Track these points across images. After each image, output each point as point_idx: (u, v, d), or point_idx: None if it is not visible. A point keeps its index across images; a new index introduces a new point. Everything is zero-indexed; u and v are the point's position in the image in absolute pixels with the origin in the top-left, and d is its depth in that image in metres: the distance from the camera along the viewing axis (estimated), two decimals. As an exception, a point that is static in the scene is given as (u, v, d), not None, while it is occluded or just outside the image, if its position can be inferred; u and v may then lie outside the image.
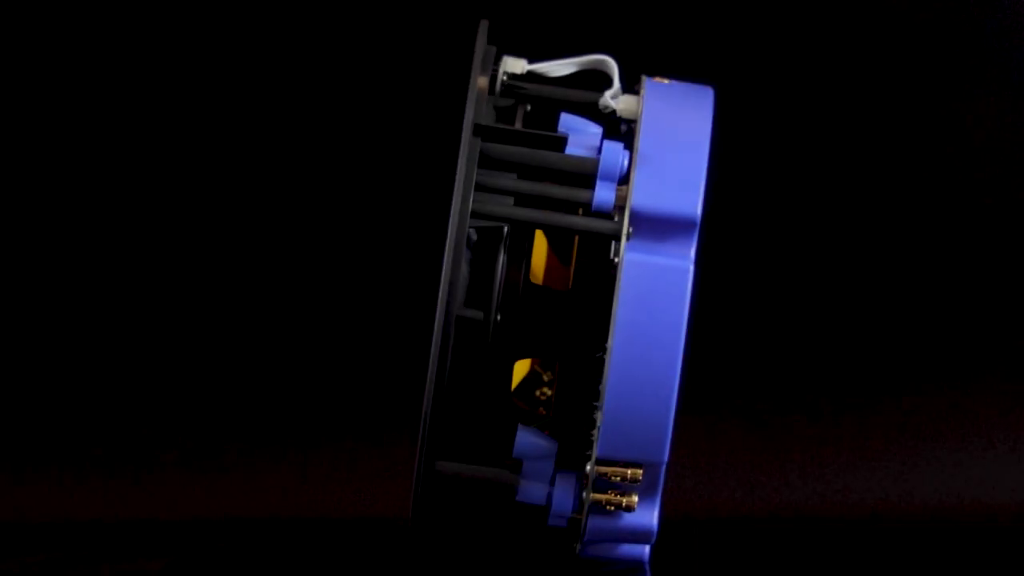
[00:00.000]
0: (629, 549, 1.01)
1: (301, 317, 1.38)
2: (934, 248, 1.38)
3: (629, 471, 0.95)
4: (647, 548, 1.01)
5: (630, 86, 1.02)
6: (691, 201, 0.94)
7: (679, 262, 0.93)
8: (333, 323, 1.38)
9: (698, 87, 1.00)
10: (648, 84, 1.00)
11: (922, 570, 1.08)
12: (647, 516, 0.97)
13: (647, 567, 1.01)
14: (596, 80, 1.03)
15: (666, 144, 0.96)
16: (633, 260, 0.93)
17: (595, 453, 0.94)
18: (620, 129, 1.00)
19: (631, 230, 0.94)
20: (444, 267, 0.92)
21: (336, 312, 1.38)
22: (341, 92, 1.36)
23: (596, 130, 0.98)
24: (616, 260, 0.94)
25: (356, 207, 1.37)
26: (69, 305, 1.34)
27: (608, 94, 1.00)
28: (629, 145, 0.97)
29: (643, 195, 0.94)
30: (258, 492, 1.33)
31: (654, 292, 0.93)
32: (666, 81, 1.01)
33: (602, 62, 1.02)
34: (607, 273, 0.97)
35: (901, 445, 1.36)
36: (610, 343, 0.93)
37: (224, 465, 1.34)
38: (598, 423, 0.94)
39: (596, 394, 0.96)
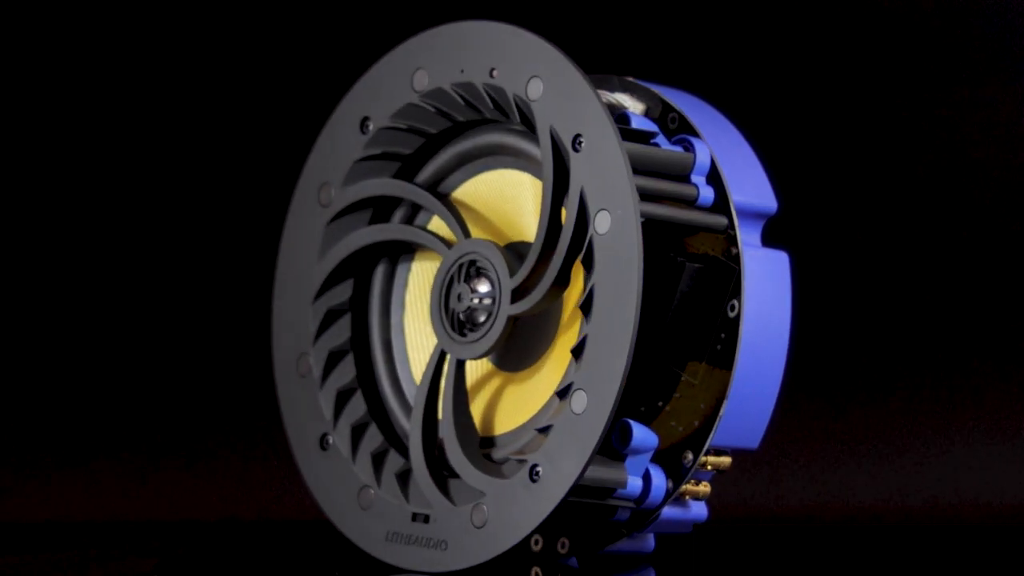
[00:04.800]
0: (642, 542, 1.02)
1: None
2: (931, 248, 1.43)
3: (720, 460, 0.98)
4: (653, 541, 1.03)
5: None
6: (770, 194, 1.00)
7: (778, 252, 0.99)
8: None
9: (676, 90, 1.05)
10: (658, 88, 1.02)
11: (927, 570, 1.16)
12: (702, 505, 1.00)
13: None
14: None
15: (725, 142, 1.00)
16: (751, 254, 0.97)
17: (709, 442, 0.96)
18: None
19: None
20: (635, 275, 0.90)
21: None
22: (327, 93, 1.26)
23: (655, 128, 0.99)
24: (735, 254, 0.97)
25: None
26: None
27: (616, 94, 1.01)
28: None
29: (738, 191, 0.98)
30: (252, 493, 1.35)
31: (766, 283, 0.98)
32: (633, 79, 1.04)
33: None
34: (668, 266, 0.99)
35: (903, 446, 1.41)
36: (740, 333, 0.96)
37: (218, 466, 1.36)
38: (721, 412, 0.96)
39: (667, 385, 0.97)
